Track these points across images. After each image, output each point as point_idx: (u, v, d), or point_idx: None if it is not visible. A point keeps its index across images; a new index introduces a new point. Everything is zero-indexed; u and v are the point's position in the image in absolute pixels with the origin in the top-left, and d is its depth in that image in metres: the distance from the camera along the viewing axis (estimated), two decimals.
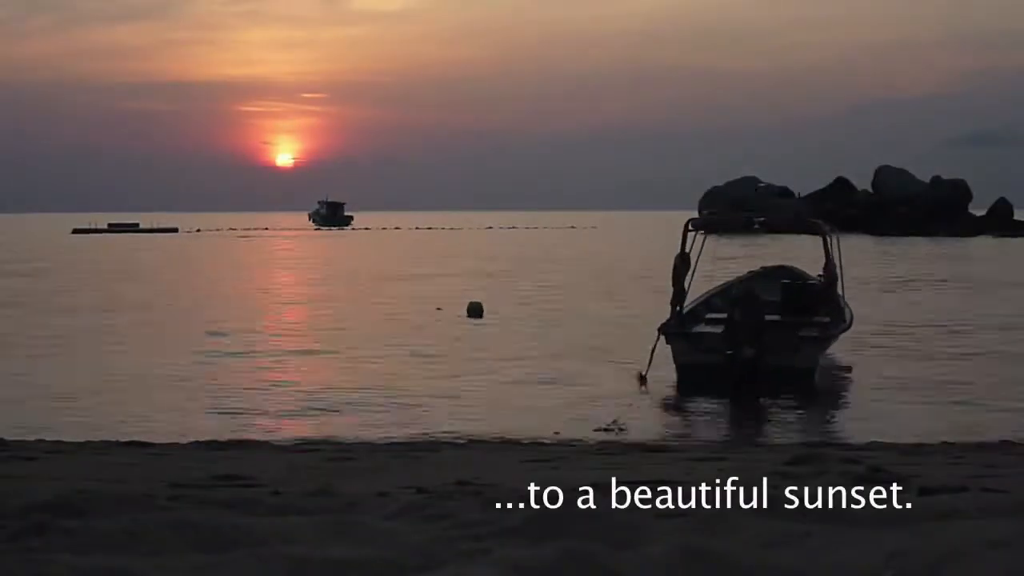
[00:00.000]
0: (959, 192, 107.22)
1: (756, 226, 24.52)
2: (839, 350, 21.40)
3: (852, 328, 21.11)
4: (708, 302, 22.15)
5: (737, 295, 20.15)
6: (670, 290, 20.49)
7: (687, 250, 20.87)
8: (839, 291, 21.44)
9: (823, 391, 18.74)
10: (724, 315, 20.19)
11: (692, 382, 18.68)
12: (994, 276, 47.55)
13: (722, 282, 23.44)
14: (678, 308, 20.42)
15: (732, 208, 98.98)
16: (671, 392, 18.45)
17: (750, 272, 23.17)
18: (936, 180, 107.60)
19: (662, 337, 19.50)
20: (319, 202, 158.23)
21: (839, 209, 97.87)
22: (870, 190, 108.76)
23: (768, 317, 19.38)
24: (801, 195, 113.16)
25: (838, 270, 21.60)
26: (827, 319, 20.41)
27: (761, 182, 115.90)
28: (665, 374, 19.11)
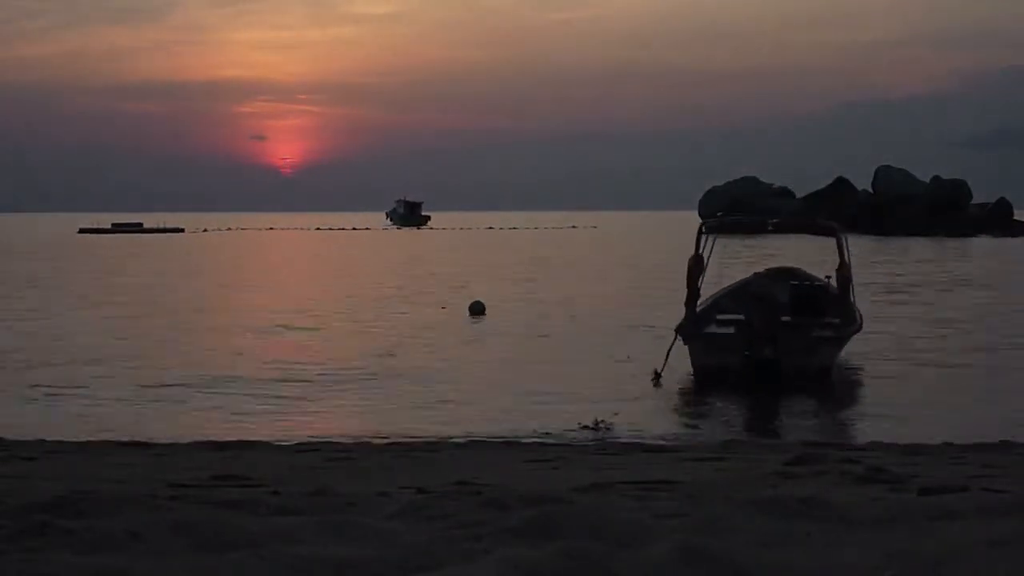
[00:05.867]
0: (959, 192, 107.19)
1: (770, 228, 24.46)
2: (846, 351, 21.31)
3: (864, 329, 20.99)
4: (717, 303, 21.99)
5: (753, 296, 20.04)
6: (684, 291, 20.42)
7: (700, 252, 20.86)
8: (851, 292, 21.32)
9: (833, 391, 18.67)
10: (735, 316, 20.09)
11: (710, 383, 18.58)
12: (993, 276, 47.54)
13: (728, 283, 23.33)
14: (693, 309, 20.33)
15: (732, 207, 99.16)
16: (676, 392, 18.41)
17: (755, 273, 23.05)
18: (936, 180, 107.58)
19: (678, 338, 19.38)
20: (397, 201, 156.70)
21: (839, 209, 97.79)
22: (870, 190, 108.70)
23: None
24: (798, 195, 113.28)
25: (851, 272, 21.42)
26: (836, 320, 20.30)
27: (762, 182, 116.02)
28: (677, 374, 19.06)
